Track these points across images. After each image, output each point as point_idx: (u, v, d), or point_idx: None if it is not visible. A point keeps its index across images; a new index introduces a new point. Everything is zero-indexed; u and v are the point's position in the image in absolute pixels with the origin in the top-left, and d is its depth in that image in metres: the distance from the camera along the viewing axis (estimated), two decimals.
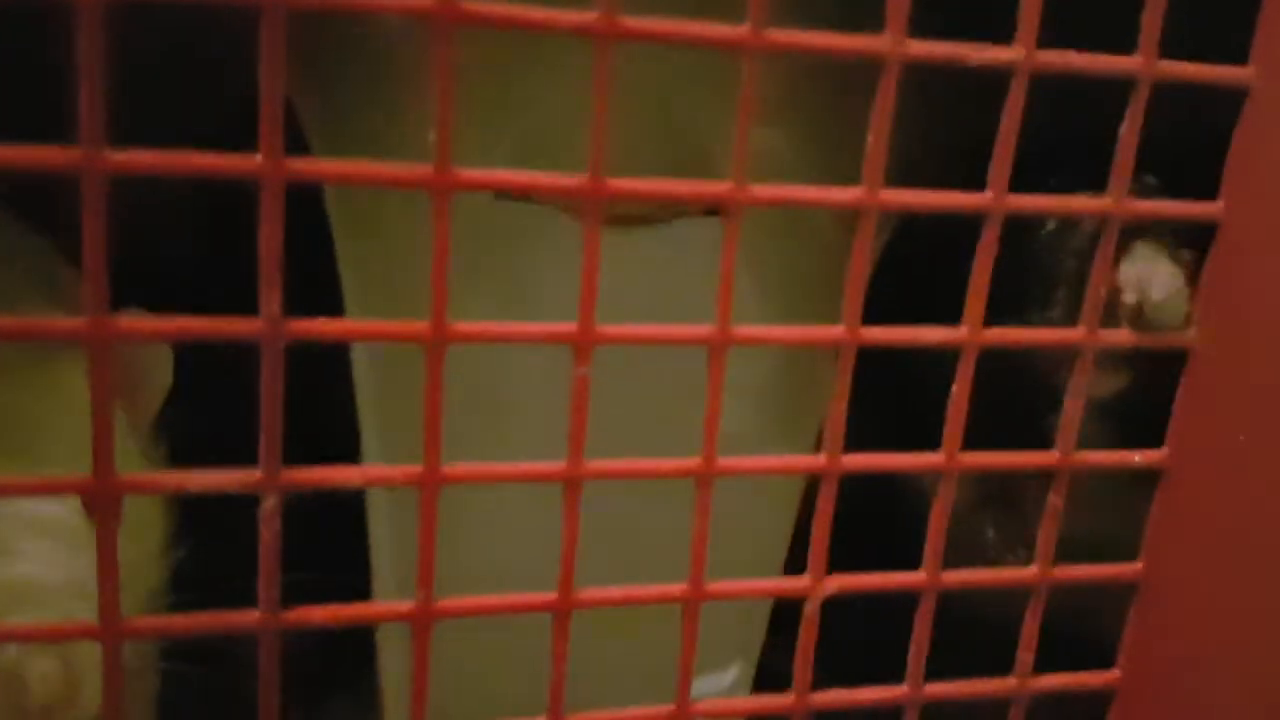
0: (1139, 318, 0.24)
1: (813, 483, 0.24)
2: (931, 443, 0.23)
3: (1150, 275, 0.24)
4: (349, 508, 0.31)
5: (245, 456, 0.19)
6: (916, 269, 0.30)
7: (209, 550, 0.28)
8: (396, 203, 0.32)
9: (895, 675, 0.24)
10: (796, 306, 0.37)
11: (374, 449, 0.33)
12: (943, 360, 0.23)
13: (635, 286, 0.36)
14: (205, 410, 0.27)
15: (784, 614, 0.31)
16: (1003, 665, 0.25)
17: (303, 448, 0.20)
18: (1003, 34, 0.21)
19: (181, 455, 0.29)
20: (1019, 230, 0.23)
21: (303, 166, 0.18)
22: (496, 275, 0.36)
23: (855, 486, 0.23)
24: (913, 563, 0.24)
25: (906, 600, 0.24)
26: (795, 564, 0.35)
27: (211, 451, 0.22)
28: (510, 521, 0.31)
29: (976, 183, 0.22)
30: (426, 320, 0.20)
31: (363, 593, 0.34)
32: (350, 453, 0.33)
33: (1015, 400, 0.27)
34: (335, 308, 0.33)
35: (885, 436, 0.23)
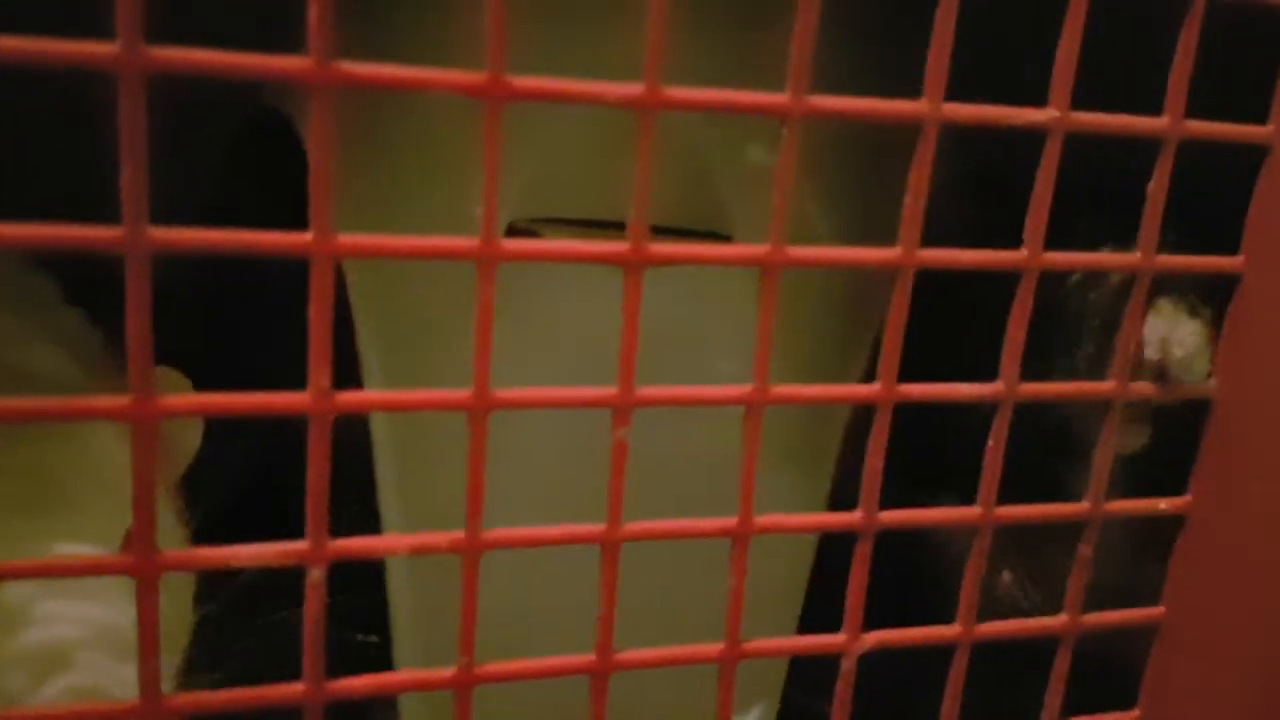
0: (1162, 374, 0.24)
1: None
2: (951, 487, 0.23)
3: (1172, 333, 0.25)
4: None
5: (272, 514, 0.19)
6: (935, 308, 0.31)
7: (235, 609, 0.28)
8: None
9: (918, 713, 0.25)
10: (801, 338, 0.38)
11: (393, 505, 0.33)
12: (963, 409, 0.23)
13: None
14: (234, 469, 0.27)
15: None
16: (1020, 704, 0.26)
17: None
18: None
19: (210, 513, 0.29)
20: (1043, 278, 0.23)
21: (352, 243, 0.18)
22: (507, 307, 0.36)
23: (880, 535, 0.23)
24: (931, 605, 0.24)
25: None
26: (816, 596, 0.36)
27: (237, 510, 0.22)
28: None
29: (981, 206, 0.22)
30: (464, 385, 0.20)
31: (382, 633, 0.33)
32: (366, 501, 0.33)
33: (1033, 449, 0.28)
34: (353, 363, 0.33)
35: (903, 479, 0.24)
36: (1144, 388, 0.24)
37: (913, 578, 0.33)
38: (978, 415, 0.23)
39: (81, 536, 0.26)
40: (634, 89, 0.18)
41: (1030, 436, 0.27)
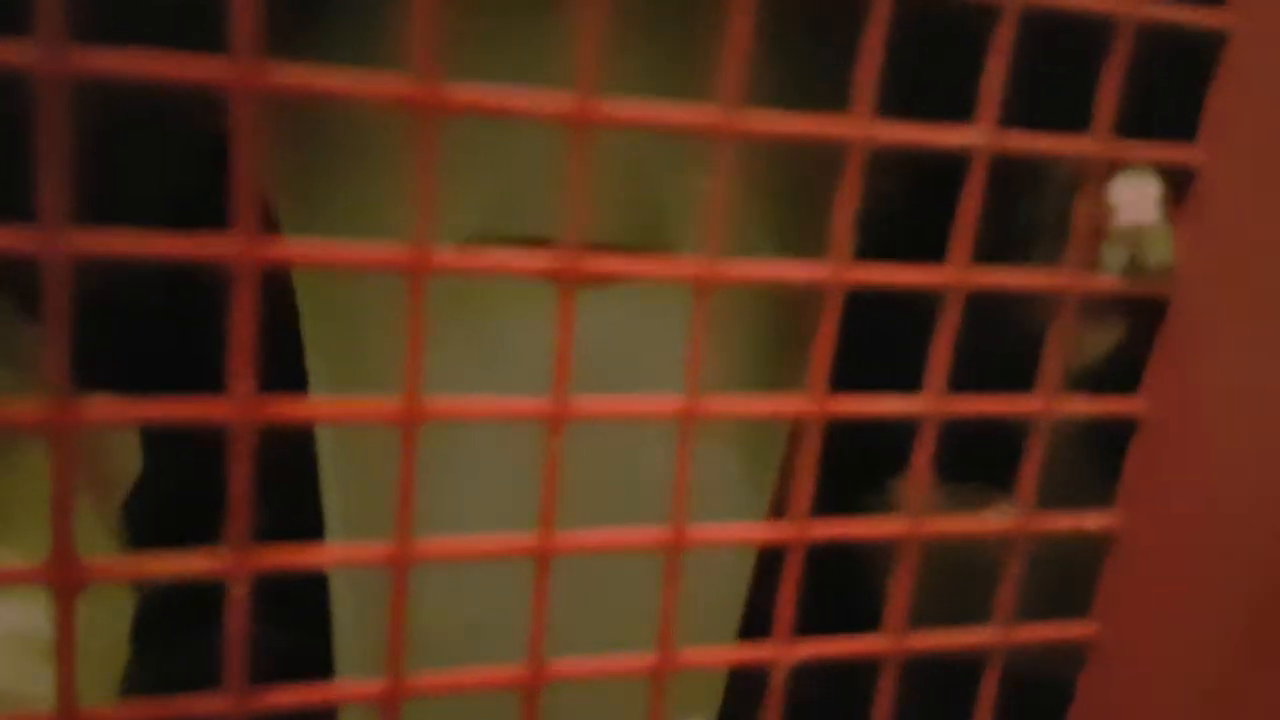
0: (1130, 240, 0.24)
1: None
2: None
3: (1140, 195, 0.25)
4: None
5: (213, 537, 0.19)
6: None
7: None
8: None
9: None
10: (750, 348, 0.38)
11: (336, 510, 0.33)
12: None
13: (585, 334, 0.36)
14: (172, 493, 0.27)
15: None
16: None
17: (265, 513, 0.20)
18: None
19: (149, 538, 0.29)
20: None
21: (277, 251, 0.18)
22: (456, 321, 0.36)
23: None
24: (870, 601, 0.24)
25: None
26: (757, 603, 0.36)
27: (178, 532, 0.21)
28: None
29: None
30: (397, 393, 0.19)
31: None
32: (312, 507, 0.33)
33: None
34: (299, 371, 0.33)
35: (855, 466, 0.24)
36: (1103, 280, 0.23)
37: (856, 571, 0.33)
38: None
39: (14, 550, 0.25)
40: (566, 102, 0.19)
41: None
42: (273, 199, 0.33)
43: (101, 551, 0.29)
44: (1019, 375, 0.26)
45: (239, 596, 0.19)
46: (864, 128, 0.21)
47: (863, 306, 0.23)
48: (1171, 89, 0.24)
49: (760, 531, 0.23)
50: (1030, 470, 0.24)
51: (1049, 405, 0.24)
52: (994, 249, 0.26)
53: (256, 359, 0.19)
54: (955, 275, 0.22)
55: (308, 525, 0.33)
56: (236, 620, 0.19)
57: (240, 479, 0.18)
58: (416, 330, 0.19)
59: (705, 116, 0.20)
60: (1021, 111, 0.23)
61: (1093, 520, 0.25)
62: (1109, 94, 0.22)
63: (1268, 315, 0.25)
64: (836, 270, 0.21)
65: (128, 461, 0.28)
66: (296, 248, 0.18)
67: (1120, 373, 0.27)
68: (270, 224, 0.36)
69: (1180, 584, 0.26)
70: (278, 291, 0.35)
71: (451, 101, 0.17)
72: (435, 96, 0.18)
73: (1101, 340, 0.28)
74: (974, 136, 0.21)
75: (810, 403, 0.22)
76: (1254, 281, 0.25)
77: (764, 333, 0.36)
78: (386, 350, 0.33)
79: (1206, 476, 0.26)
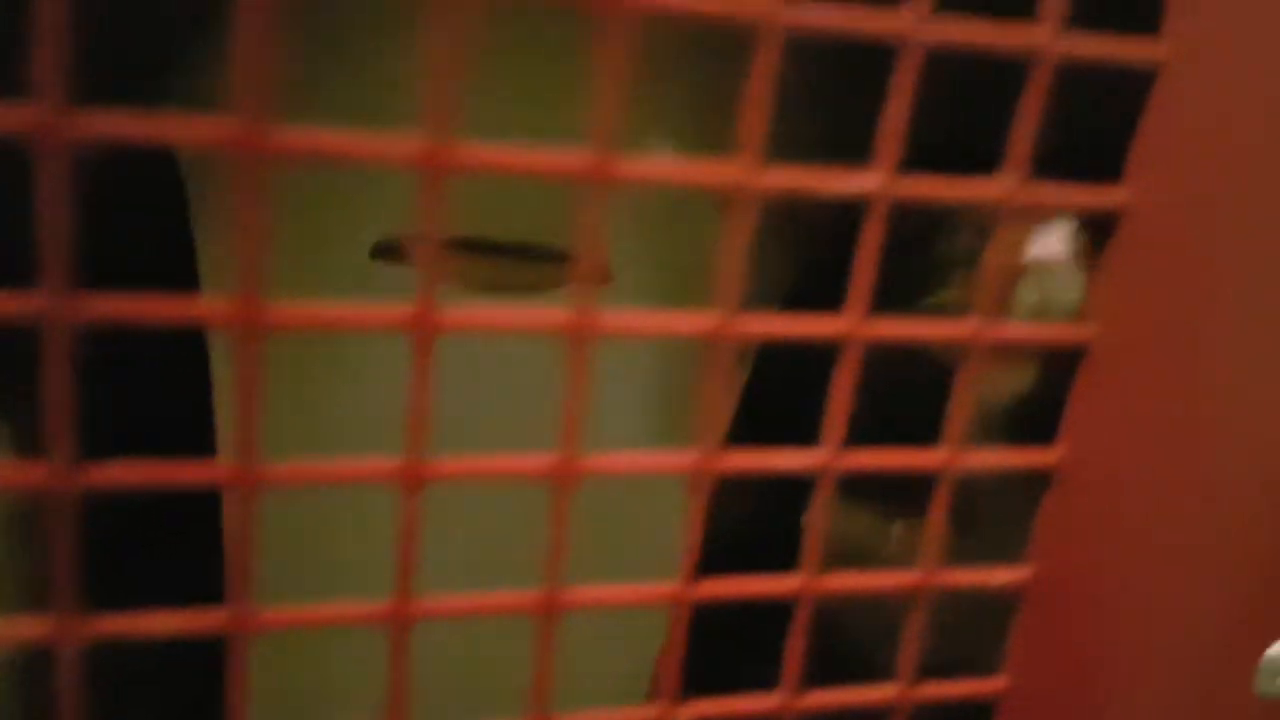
0: (1040, 283, 0.23)
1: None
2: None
3: (1052, 233, 0.23)
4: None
5: None
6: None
7: None
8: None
9: None
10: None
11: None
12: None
13: (520, 351, 0.35)
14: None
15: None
16: None
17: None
18: None
19: None
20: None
21: (87, 307, 0.16)
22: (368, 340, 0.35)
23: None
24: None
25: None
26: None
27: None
28: None
29: None
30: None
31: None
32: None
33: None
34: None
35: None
36: (1014, 328, 0.22)
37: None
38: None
39: None
40: (418, 147, 0.17)
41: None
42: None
43: None
44: (930, 405, 0.25)
45: (69, 661, 0.18)
46: (752, 176, 0.19)
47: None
48: (1092, 130, 0.22)
49: (649, 593, 0.22)
50: (936, 526, 0.23)
51: (954, 458, 0.22)
52: (910, 280, 0.25)
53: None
54: (852, 325, 0.21)
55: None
56: (67, 695, 0.18)
57: (63, 549, 0.17)
58: (248, 393, 0.18)
59: (579, 161, 0.18)
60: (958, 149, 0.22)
61: (1001, 575, 0.24)
62: (1025, 133, 0.21)
63: (1189, 359, 0.24)
64: (724, 324, 0.20)
65: None
66: (102, 302, 0.17)
67: (1037, 411, 0.26)
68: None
69: (1095, 633, 0.25)
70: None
71: (281, 145, 0.16)
72: (262, 140, 0.16)
73: (1017, 379, 0.27)
74: (870, 183, 0.20)
75: (702, 459, 0.21)
76: (1176, 326, 0.23)
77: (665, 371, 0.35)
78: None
79: (1122, 525, 0.25)
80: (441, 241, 0.34)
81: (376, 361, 0.35)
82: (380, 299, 0.35)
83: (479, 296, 0.35)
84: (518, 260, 0.35)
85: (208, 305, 0.17)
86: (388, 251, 0.35)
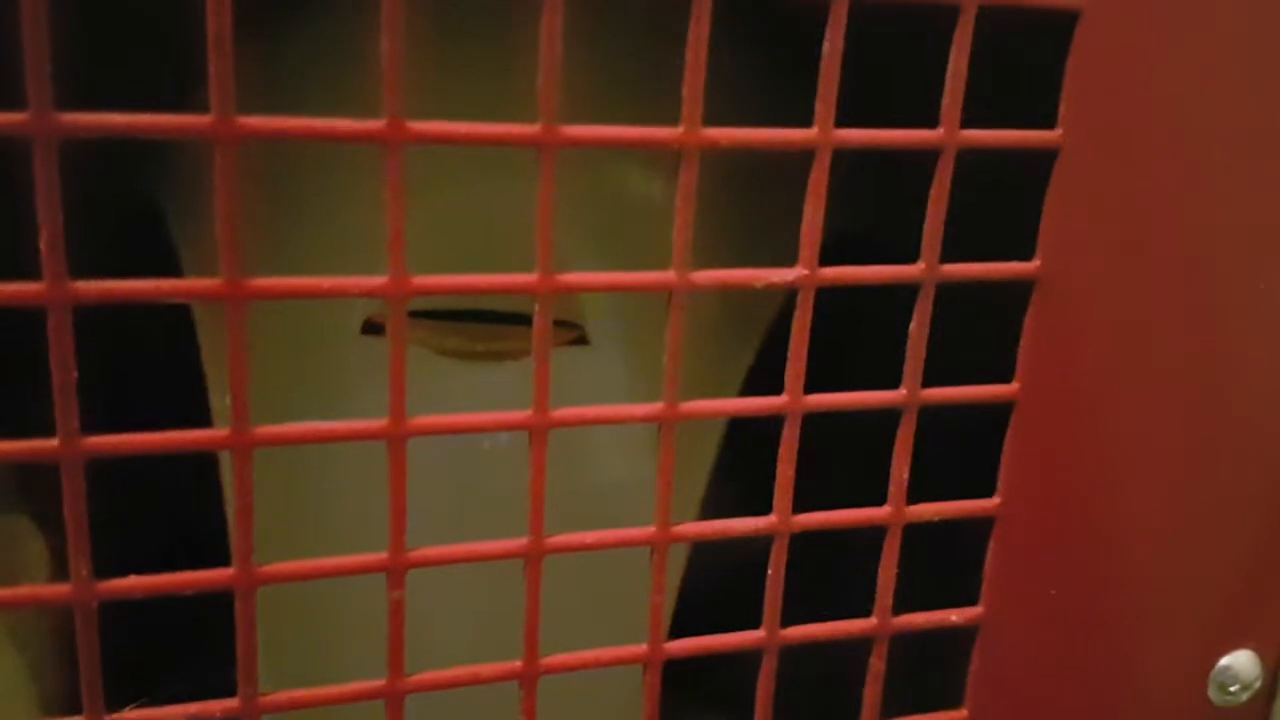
0: None
1: None
2: None
3: None
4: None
5: None
6: None
7: None
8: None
9: None
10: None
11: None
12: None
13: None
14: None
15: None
16: None
17: None
18: None
19: None
20: None
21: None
22: (360, 408, 0.37)
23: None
24: None
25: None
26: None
27: None
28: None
29: None
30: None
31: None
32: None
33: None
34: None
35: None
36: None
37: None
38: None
39: None
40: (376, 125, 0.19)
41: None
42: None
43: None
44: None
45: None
46: (691, 136, 0.21)
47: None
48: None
49: (623, 536, 0.24)
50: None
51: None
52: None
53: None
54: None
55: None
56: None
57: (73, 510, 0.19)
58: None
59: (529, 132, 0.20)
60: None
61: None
62: (957, 78, 0.22)
63: (1133, 292, 0.25)
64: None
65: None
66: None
67: None
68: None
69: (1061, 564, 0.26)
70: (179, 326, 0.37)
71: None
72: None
73: None
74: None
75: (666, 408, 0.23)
76: (1120, 259, 0.25)
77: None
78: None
79: (1082, 458, 0.26)
80: (417, 312, 0.36)
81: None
82: (368, 366, 0.36)
83: (459, 363, 0.37)
84: (497, 328, 0.36)
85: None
86: (376, 328, 0.37)
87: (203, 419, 0.35)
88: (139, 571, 0.20)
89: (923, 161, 0.22)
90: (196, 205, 0.37)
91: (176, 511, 0.40)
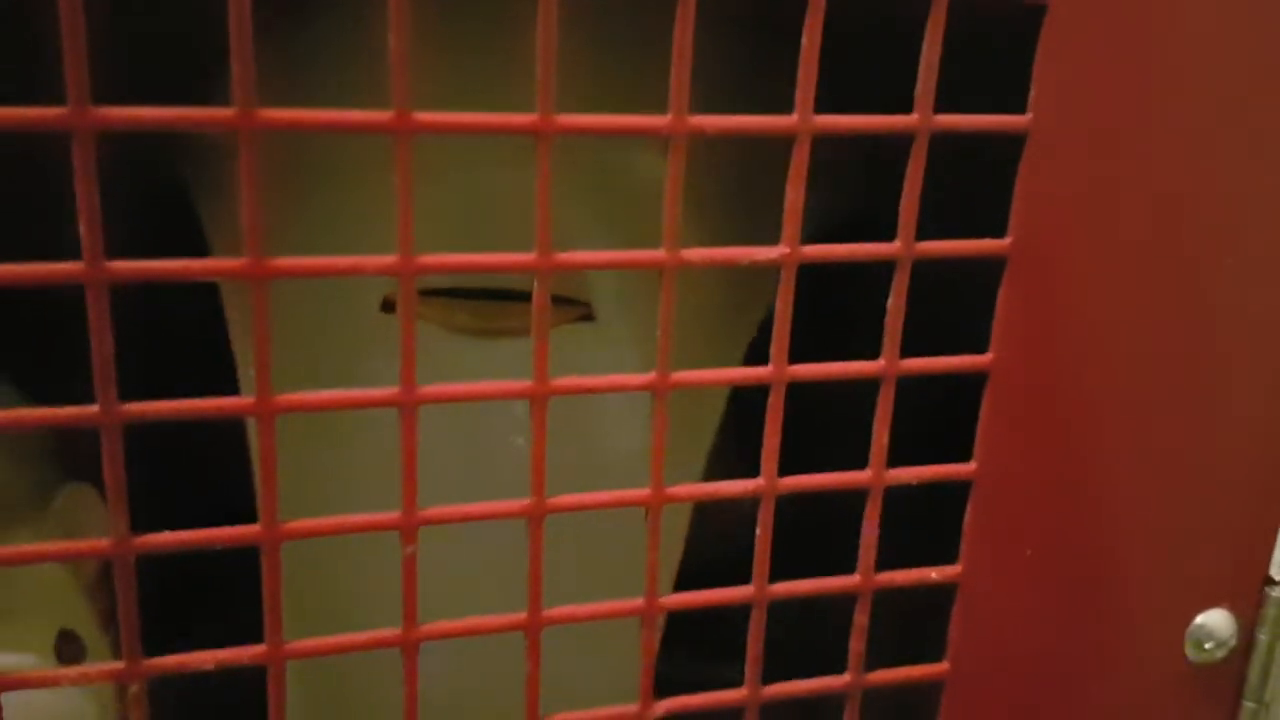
0: None
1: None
2: None
3: None
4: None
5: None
6: None
7: None
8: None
9: None
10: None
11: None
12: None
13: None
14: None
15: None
16: None
17: None
18: None
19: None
20: None
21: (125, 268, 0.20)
22: (378, 380, 0.39)
23: None
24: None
25: None
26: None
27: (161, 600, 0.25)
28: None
29: None
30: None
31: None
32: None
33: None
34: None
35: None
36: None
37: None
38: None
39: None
40: (385, 116, 0.21)
41: None
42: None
43: (88, 634, 0.33)
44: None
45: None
46: (679, 123, 0.23)
47: None
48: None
49: (620, 497, 0.26)
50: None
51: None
52: None
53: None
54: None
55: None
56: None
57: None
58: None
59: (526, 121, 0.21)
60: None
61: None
62: (930, 65, 0.23)
63: (1101, 266, 0.26)
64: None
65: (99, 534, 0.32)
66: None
67: None
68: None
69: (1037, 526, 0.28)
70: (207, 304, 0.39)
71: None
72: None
73: None
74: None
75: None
76: (1087, 236, 0.26)
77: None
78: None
79: (1054, 423, 0.27)
80: (433, 290, 0.38)
81: None
82: (386, 341, 0.38)
83: (472, 340, 0.38)
84: (504, 305, 0.38)
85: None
86: (394, 307, 0.39)
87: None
88: None
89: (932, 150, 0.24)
90: (221, 182, 0.38)
91: (215, 487, 0.42)
